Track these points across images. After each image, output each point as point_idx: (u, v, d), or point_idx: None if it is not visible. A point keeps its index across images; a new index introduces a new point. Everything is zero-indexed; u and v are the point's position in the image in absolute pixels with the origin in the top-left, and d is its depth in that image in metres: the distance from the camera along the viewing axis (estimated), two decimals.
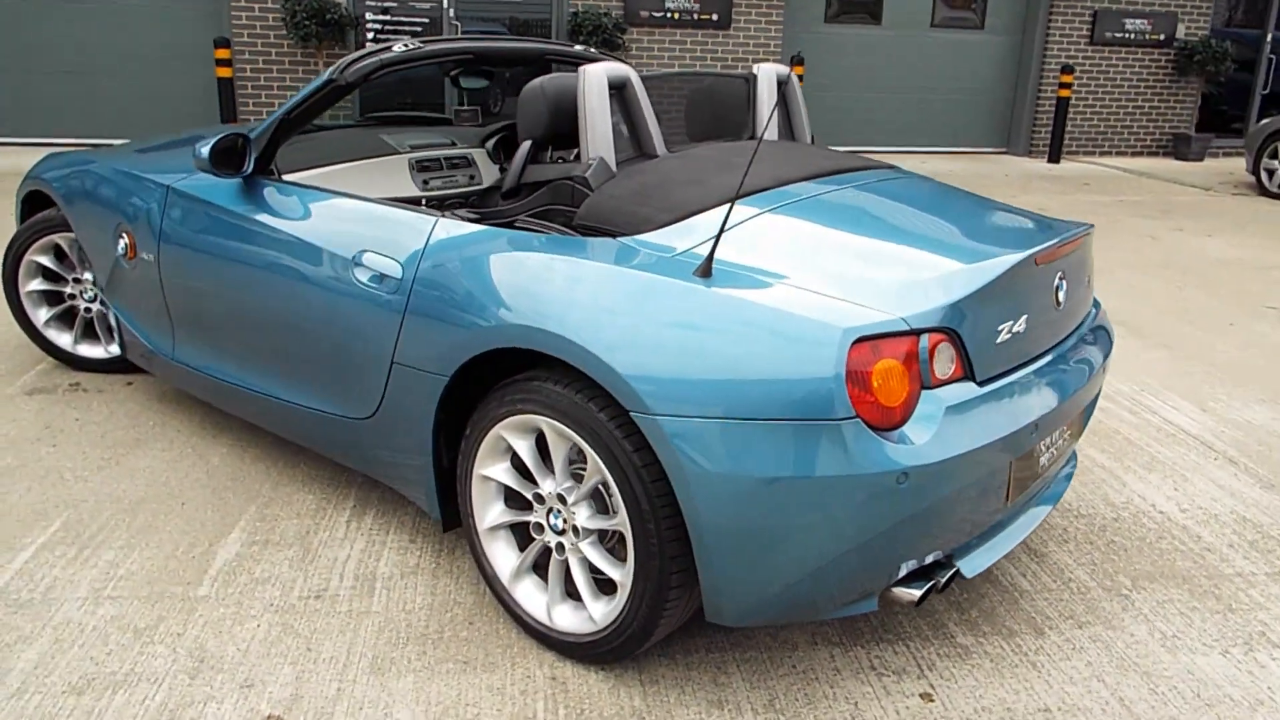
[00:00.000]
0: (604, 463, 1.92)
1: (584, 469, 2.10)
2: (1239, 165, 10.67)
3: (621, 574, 1.99)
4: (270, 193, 2.67)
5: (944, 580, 1.96)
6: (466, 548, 2.60)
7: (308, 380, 2.58)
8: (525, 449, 2.12)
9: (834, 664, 2.18)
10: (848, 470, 1.74)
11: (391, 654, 2.17)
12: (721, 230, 1.87)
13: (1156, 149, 10.97)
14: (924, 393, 1.87)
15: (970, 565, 2.02)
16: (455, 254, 2.18)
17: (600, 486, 2.05)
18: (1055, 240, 2.12)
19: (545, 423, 2.02)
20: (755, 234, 2.05)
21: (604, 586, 2.19)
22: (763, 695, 2.07)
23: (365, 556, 2.55)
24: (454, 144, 3.50)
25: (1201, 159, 10.77)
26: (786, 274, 1.91)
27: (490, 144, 3.56)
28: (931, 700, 2.07)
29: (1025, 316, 2.06)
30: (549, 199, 2.29)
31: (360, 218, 2.42)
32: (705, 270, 1.89)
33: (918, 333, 1.82)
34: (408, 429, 2.32)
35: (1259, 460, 3.31)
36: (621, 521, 1.94)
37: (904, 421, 1.82)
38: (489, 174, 3.52)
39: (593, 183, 2.23)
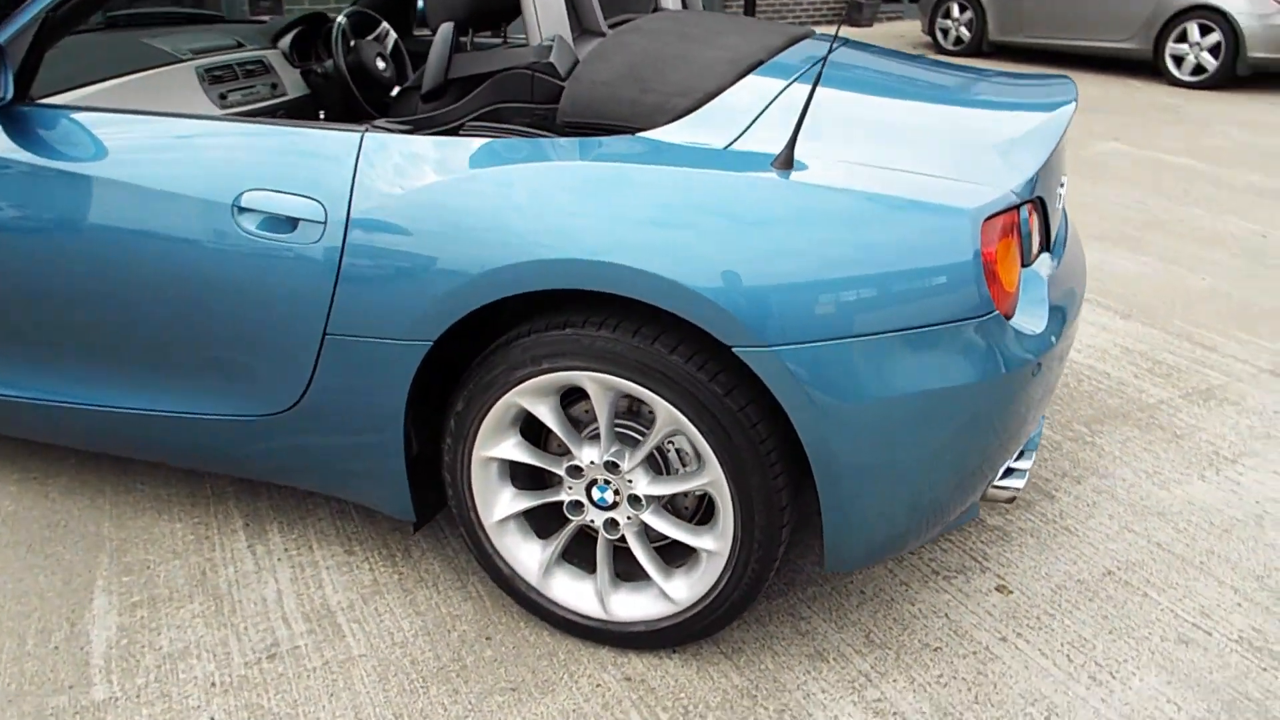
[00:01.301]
0: (686, 414, 1.55)
1: (628, 428, 1.71)
2: (907, 28, 11.59)
3: (713, 539, 1.65)
4: (58, 124, 1.88)
5: (1028, 468, 1.83)
6: (423, 547, 2.10)
7: (175, 378, 1.89)
8: (550, 415, 1.68)
9: (898, 578, 2.02)
10: (995, 371, 1.52)
11: (417, 705, 1.69)
12: (805, 111, 1.52)
13: (833, 16, 11.62)
14: (1023, 271, 1.68)
15: (1031, 449, 1.92)
16: (417, 179, 1.63)
17: (656, 450, 1.68)
18: (1075, 93, 1.99)
19: (589, 379, 1.59)
20: (793, 112, 1.72)
21: (664, 558, 1.85)
22: (856, 634, 1.86)
23: (302, 587, 1.98)
24: (240, 44, 2.73)
25: (872, 24, 11.57)
26: (864, 154, 1.61)
27: (285, 42, 2.83)
28: (1009, 591, 1.98)
29: (1065, 177, 1.93)
30: (495, 95, 1.79)
31: (230, 144, 1.75)
32: (786, 160, 1.53)
33: (1018, 206, 1.61)
34: (358, 416, 1.78)
35: (1105, 294, 3.56)
36: (712, 480, 1.59)
37: (1017, 305, 1.62)
38: (290, 81, 2.80)
39: (560, 69, 1.75)
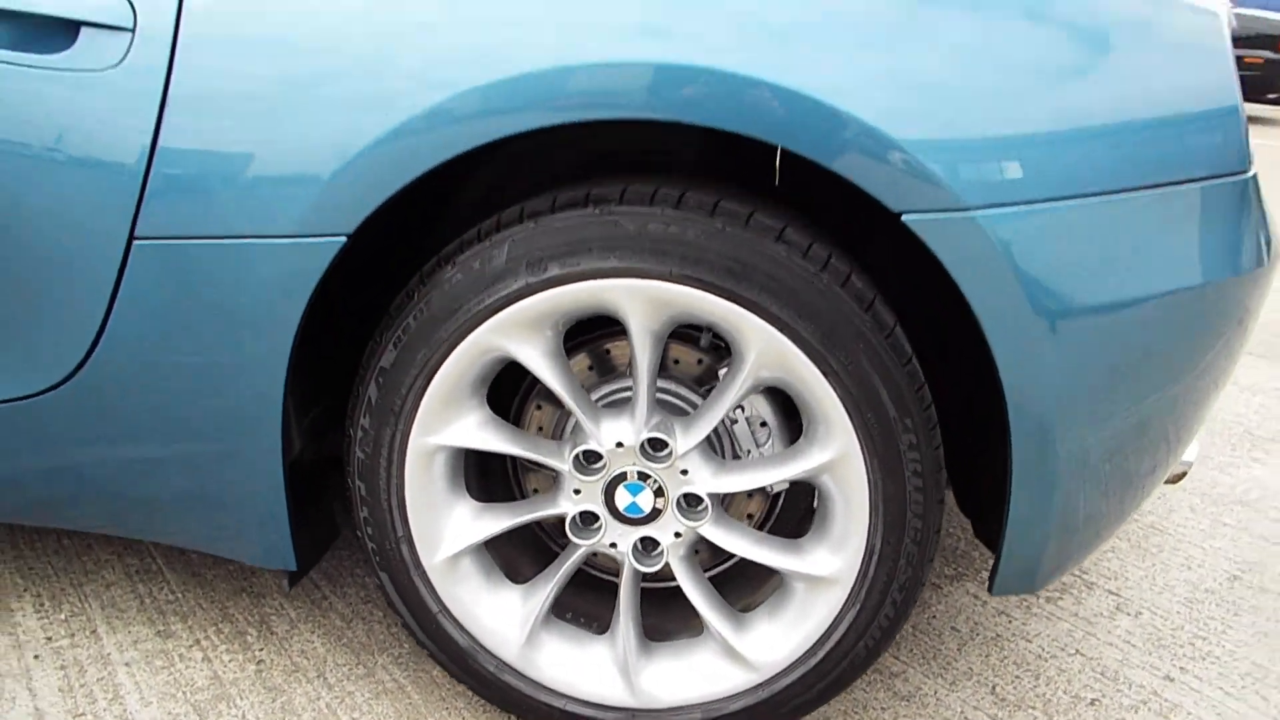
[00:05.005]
0: (798, 342, 0.92)
1: (668, 394, 1.06)
2: None
3: (829, 557, 1.01)
4: None
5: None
6: (290, 613, 1.33)
7: None
8: (550, 364, 0.99)
9: (990, 606, 1.46)
10: (1260, 258, 1.00)
11: None
12: None
13: None
14: None
15: None
16: None
17: (725, 421, 1.05)
18: None
19: (629, 292, 0.93)
20: None
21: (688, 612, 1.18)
22: (977, 690, 1.27)
23: (84, 702, 1.15)
24: None
25: None
26: None
27: None
28: (1137, 613, 1.46)
29: None
30: None
31: None
32: None
33: None
34: (200, 386, 1.01)
35: None
36: (837, 456, 0.96)
37: None
38: None
39: None
